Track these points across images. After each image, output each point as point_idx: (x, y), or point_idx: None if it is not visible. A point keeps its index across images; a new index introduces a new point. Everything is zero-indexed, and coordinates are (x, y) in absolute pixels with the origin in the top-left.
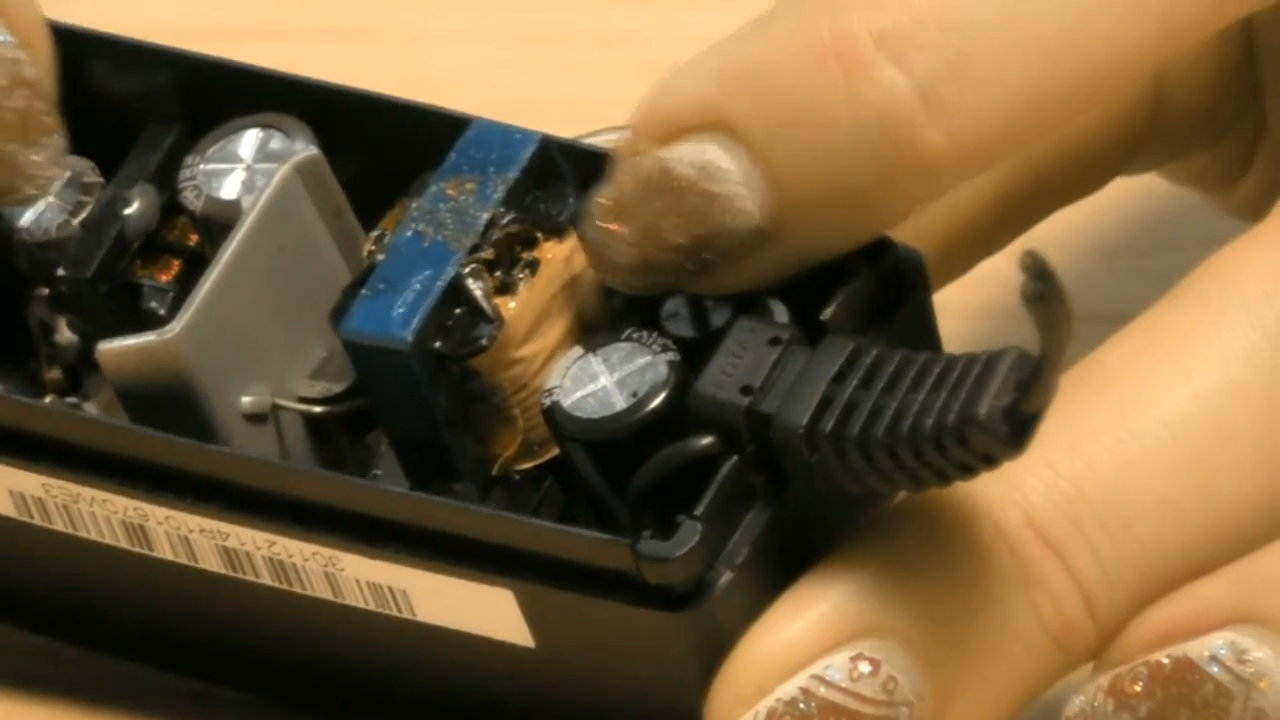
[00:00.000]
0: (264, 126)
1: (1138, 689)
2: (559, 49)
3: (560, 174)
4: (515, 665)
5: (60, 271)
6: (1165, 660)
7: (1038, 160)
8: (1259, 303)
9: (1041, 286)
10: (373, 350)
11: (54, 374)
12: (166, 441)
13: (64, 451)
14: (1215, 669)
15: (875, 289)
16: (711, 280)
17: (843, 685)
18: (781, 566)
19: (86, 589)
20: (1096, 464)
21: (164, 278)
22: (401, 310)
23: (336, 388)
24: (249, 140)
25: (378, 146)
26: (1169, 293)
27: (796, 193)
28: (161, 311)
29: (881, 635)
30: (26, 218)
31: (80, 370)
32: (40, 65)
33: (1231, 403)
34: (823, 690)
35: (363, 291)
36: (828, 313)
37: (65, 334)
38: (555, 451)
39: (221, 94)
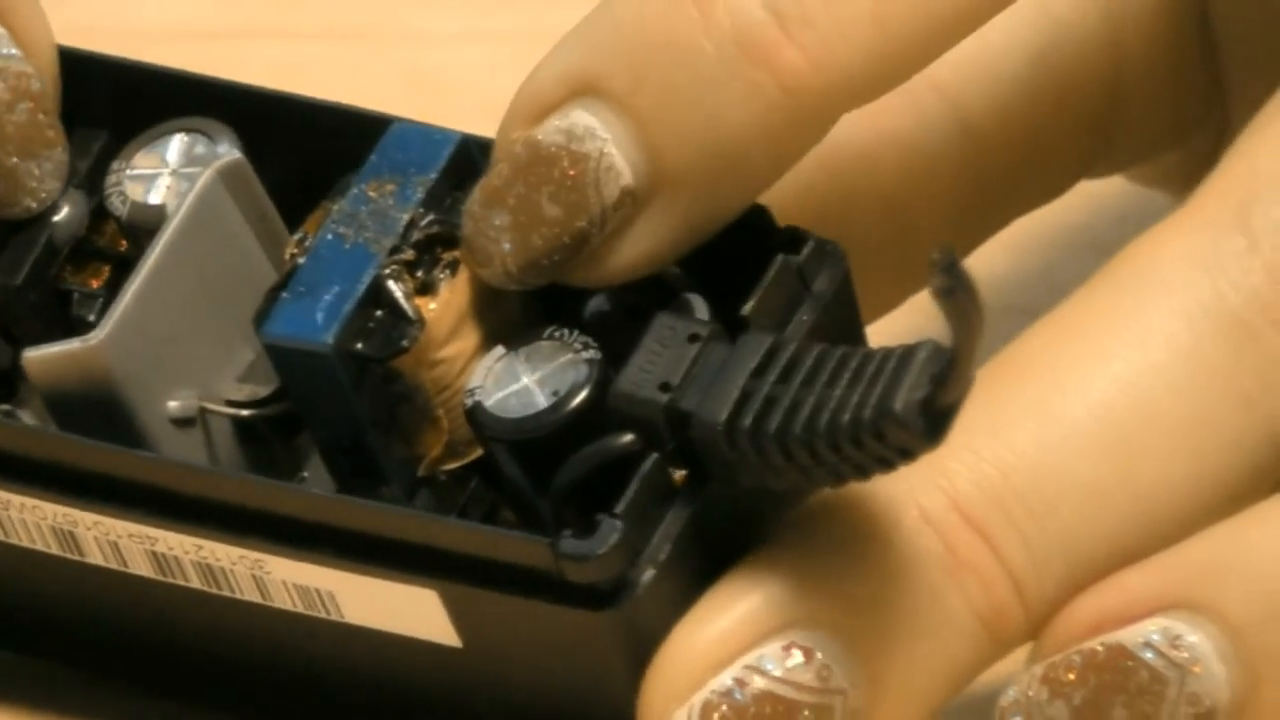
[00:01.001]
0: (189, 131)
1: (1071, 677)
2: None
3: (481, 174)
4: (443, 666)
5: None
6: (1099, 648)
7: (990, 169)
8: (1177, 287)
9: (951, 280)
10: (294, 353)
11: None
12: (93, 447)
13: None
14: (1149, 655)
15: (796, 282)
16: (596, 263)
17: (777, 674)
18: (706, 563)
19: (18, 595)
20: (1020, 449)
21: (94, 283)
22: (322, 313)
23: (264, 391)
24: (174, 145)
25: (303, 149)
26: (1089, 280)
27: (665, 137)
28: (90, 318)
29: (812, 625)
30: None
31: (13, 378)
32: (46, 79)
33: (1152, 385)
34: (757, 680)
35: (284, 295)
36: (748, 308)
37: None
38: (480, 452)
39: (147, 99)
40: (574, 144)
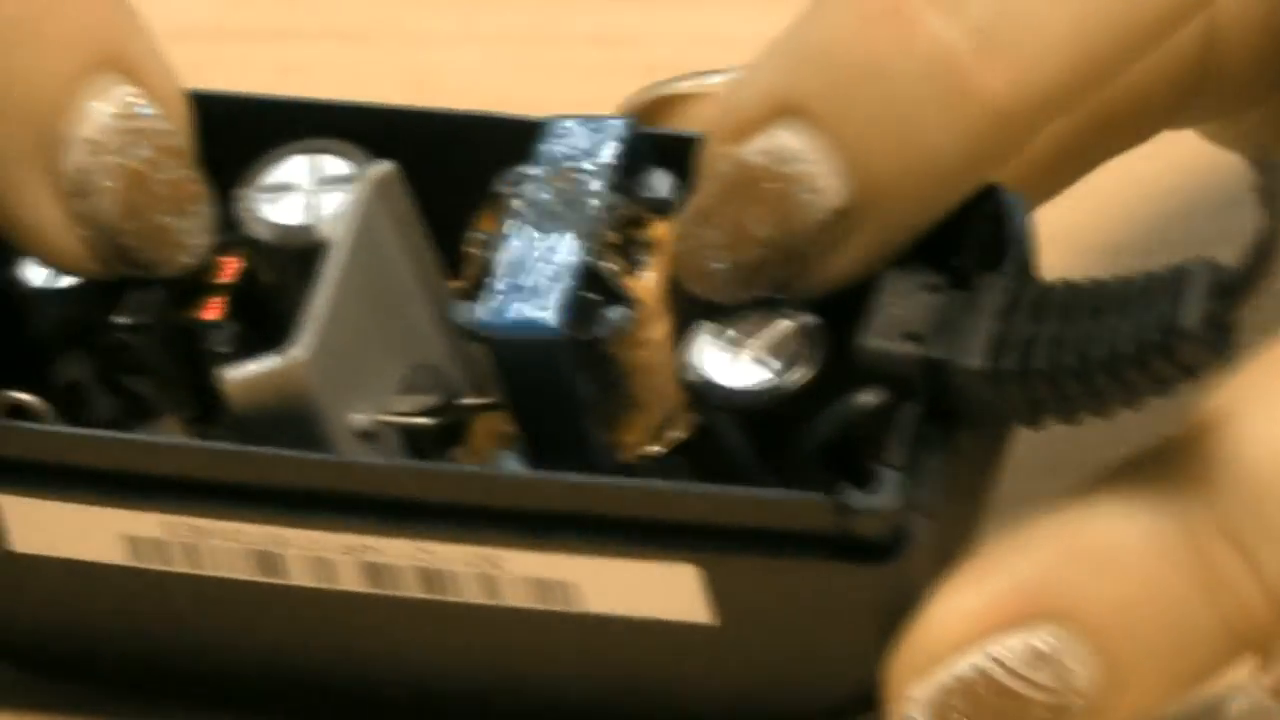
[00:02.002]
0: (308, 152)
1: None
2: (559, 49)
3: (644, 156)
4: (691, 647)
5: (118, 319)
6: None
7: (1091, 109)
8: None
9: (1272, 180)
10: (519, 344)
11: None
12: (318, 462)
13: (193, 486)
14: None
15: (995, 231)
16: (806, 277)
17: (1017, 669)
18: (956, 516)
19: (199, 638)
20: None
21: (209, 317)
22: (542, 300)
23: (429, 401)
24: (298, 166)
25: (423, 161)
26: None
27: (872, 159)
28: (224, 349)
29: (1063, 621)
30: (37, 276)
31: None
32: (184, 134)
33: None
34: (997, 671)
35: (496, 287)
36: (962, 259)
37: (101, 396)
38: (682, 435)
39: (237, 130)
40: (779, 165)
